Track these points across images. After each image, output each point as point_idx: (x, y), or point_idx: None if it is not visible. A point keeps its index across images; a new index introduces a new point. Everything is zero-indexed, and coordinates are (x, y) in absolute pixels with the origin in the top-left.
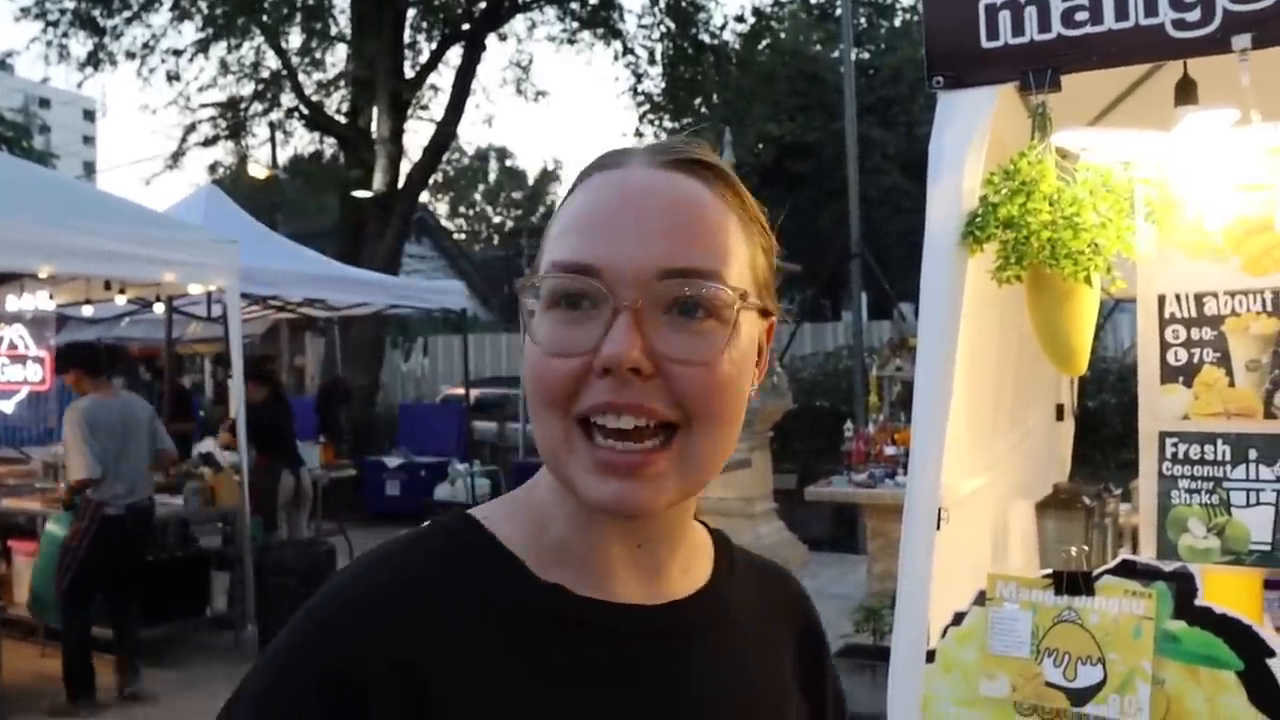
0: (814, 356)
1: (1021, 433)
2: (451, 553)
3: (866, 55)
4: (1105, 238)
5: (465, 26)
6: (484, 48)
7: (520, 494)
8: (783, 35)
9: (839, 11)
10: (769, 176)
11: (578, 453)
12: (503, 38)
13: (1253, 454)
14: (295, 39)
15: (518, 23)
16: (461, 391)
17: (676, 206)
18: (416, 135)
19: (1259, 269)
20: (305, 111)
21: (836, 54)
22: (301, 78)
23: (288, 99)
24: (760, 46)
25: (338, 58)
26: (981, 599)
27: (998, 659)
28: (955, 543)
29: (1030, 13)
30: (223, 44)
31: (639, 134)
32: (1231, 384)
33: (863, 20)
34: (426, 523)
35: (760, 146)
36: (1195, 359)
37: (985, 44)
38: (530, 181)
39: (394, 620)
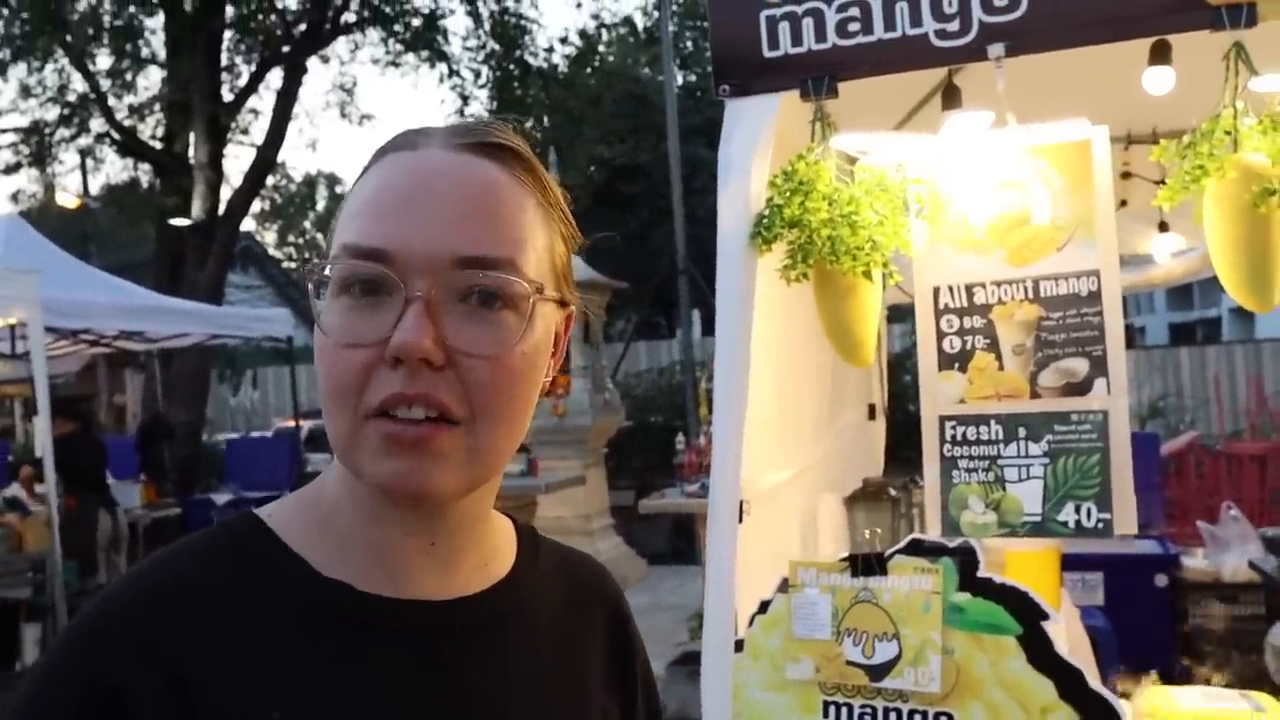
0: (648, 373)
1: (835, 431)
2: (228, 553)
3: (694, 77)
4: (882, 235)
5: (285, 49)
6: (305, 70)
7: (307, 491)
8: (610, 58)
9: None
10: (601, 198)
11: (365, 434)
12: (325, 60)
13: (1022, 432)
14: (104, 61)
15: (340, 45)
16: (292, 423)
17: (472, 191)
18: (237, 160)
19: (1020, 260)
20: (117, 137)
21: (663, 76)
22: (112, 101)
23: (97, 124)
24: (588, 69)
25: (151, 81)
26: (785, 586)
27: (801, 642)
28: (763, 536)
29: (808, 24)
30: (23, 65)
31: None
32: (1001, 368)
33: (689, 44)
34: (219, 521)
35: (592, 169)
36: (968, 346)
37: (767, 53)
38: None
39: (162, 626)
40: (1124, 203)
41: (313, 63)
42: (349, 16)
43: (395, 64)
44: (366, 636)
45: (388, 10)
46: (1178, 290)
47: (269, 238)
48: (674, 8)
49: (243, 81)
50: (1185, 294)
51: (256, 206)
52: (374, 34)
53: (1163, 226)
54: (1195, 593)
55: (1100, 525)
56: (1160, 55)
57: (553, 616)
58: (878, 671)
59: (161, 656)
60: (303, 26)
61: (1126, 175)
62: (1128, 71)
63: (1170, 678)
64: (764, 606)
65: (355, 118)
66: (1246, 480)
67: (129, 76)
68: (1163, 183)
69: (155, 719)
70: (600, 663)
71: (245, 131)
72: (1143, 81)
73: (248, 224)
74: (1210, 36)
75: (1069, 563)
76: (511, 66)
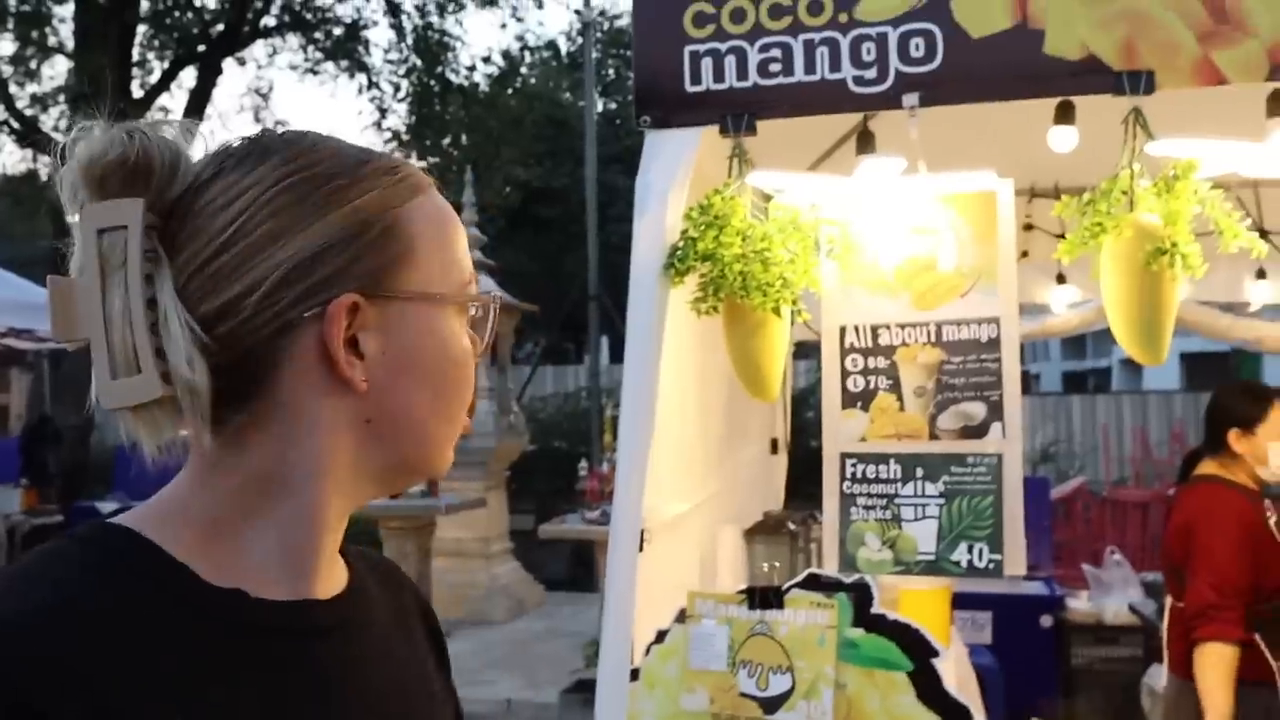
0: (554, 397)
1: (736, 463)
2: (111, 566)
3: (614, 105)
4: (793, 272)
5: (200, 48)
6: (221, 71)
7: (172, 504)
8: (532, 81)
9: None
10: (516, 220)
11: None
12: (241, 63)
13: (919, 472)
14: (7, 46)
15: (258, 48)
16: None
17: None
18: None
19: (925, 304)
20: (16, 126)
21: (584, 102)
22: (13, 89)
23: None
24: (509, 90)
25: (56, 71)
26: (682, 616)
27: (697, 673)
28: (662, 565)
29: (730, 61)
30: None
31: None
32: (902, 408)
33: (611, 71)
34: (73, 535)
35: (508, 190)
36: (871, 385)
37: (689, 88)
38: None
39: (71, 646)
40: (1025, 253)
41: (228, 64)
42: (269, 20)
43: (314, 71)
44: (269, 642)
45: (309, 17)
46: (1072, 340)
47: None
48: (598, 35)
49: (154, 78)
50: (1079, 344)
51: None
52: (294, 40)
53: (1060, 279)
54: (1078, 634)
55: (991, 565)
56: (1065, 115)
57: (387, 604)
58: (771, 704)
59: (78, 678)
60: (220, 27)
61: (1029, 227)
62: (1034, 128)
63: (1052, 718)
64: (661, 636)
65: (270, 123)
66: (1130, 526)
67: (33, 64)
68: (1063, 236)
69: None
70: (425, 642)
71: None
72: (1048, 139)
73: None
74: (1112, 100)
75: (959, 601)
76: (432, 82)
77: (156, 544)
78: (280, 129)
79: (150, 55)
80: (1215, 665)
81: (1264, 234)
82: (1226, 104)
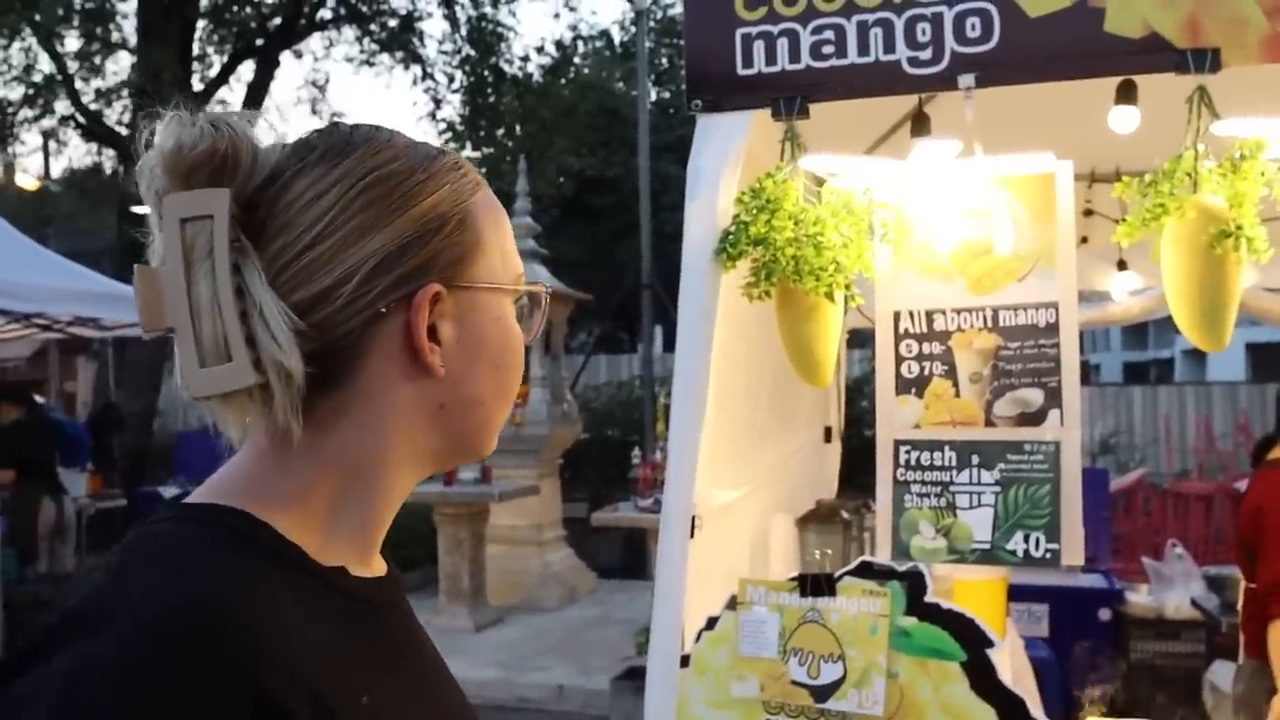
0: (607, 386)
1: (788, 451)
2: (247, 550)
3: (667, 94)
4: (846, 257)
5: (259, 42)
6: (278, 64)
7: (251, 486)
8: (585, 70)
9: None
10: (569, 209)
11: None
12: (298, 55)
13: (975, 459)
14: (73, 43)
15: (314, 41)
16: None
17: None
18: None
19: (981, 289)
20: (82, 120)
21: (637, 91)
22: (79, 84)
23: (62, 106)
24: (562, 80)
25: (120, 66)
26: (733, 603)
27: (747, 660)
28: (712, 552)
29: (782, 44)
30: None
31: None
32: (957, 395)
33: (664, 60)
34: (177, 519)
35: (561, 180)
36: (926, 372)
37: (741, 71)
38: None
39: (280, 637)
40: (1085, 239)
41: (285, 57)
42: (325, 13)
43: (369, 63)
44: (372, 612)
45: (364, 9)
46: (1133, 330)
47: None
48: (651, 24)
49: (214, 72)
50: (1140, 334)
51: None
52: (349, 32)
53: (1121, 265)
54: (1138, 628)
55: (1048, 555)
56: (1126, 95)
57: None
58: (822, 692)
59: (289, 664)
60: (277, 20)
61: (1088, 213)
62: (1094, 110)
63: (1113, 711)
64: (711, 623)
65: (326, 115)
66: (1192, 519)
67: (98, 60)
68: (1124, 220)
69: None
70: None
71: None
72: (1109, 120)
73: None
74: (1175, 79)
75: (1015, 593)
76: (486, 73)
77: (272, 526)
78: (349, 124)
79: (210, 49)
80: None
81: None
82: None
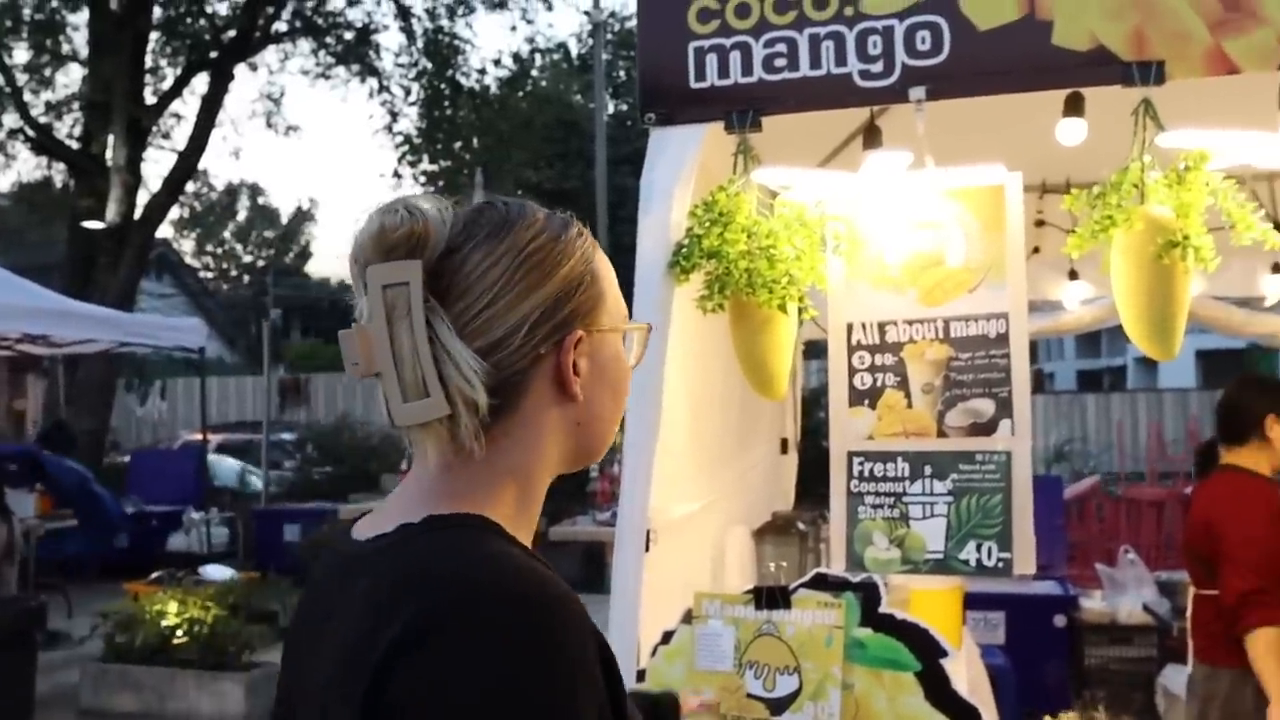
0: None
1: (746, 463)
2: (508, 540)
3: (625, 107)
4: (799, 269)
5: (213, 54)
6: (232, 77)
7: (449, 494)
8: (543, 83)
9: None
10: None
11: None
12: (253, 68)
13: (927, 470)
14: (21, 55)
15: (269, 54)
16: (200, 437)
17: None
18: (157, 165)
19: (932, 300)
20: (31, 134)
21: (594, 104)
22: (28, 97)
23: (11, 119)
24: (520, 93)
25: (70, 79)
26: (689, 617)
27: (703, 674)
28: (670, 565)
29: (735, 57)
30: None
31: (397, 175)
32: (910, 405)
33: (622, 73)
34: (464, 527)
35: (519, 192)
36: (879, 383)
37: (693, 84)
38: (284, 220)
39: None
40: (1036, 249)
41: (240, 70)
42: (280, 25)
43: (325, 76)
44: None
45: (320, 22)
46: (1086, 338)
47: (186, 246)
48: (608, 36)
49: (167, 85)
50: (1093, 342)
51: (175, 213)
52: (305, 45)
53: (1073, 274)
54: (1092, 634)
55: (1000, 564)
56: (1073, 107)
57: None
58: (778, 705)
59: (595, 628)
60: (232, 33)
61: (1040, 223)
62: (1045, 121)
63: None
64: (667, 637)
65: (281, 128)
66: (1145, 525)
67: (47, 72)
68: (1074, 231)
69: (615, 676)
70: None
71: (167, 136)
72: (1056, 132)
73: (164, 230)
74: (1122, 92)
75: (972, 601)
76: (443, 85)
77: (498, 524)
78: (503, 202)
79: (163, 62)
80: (1271, 648)
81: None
82: (1239, 94)
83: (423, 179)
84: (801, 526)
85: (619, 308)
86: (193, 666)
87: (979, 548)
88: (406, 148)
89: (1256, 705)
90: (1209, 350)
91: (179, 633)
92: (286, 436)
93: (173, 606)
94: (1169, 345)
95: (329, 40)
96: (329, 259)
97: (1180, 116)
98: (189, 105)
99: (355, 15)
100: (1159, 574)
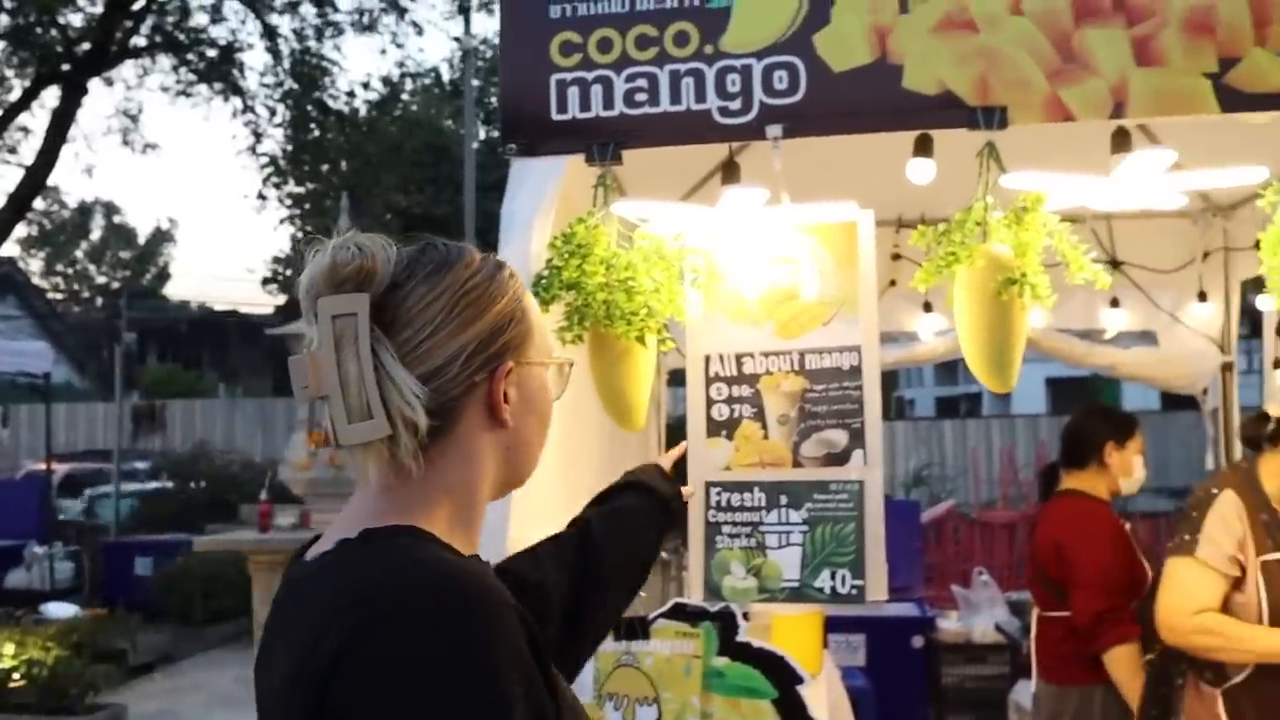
0: None
1: None
2: (440, 545)
3: (496, 133)
4: (658, 301)
5: (65, 67)
6: (86, 91)
7: (390, 509)
8: (414, 107)
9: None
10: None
11: None
12: (109, 83)
13: (783, 499)
14: None
15: (127, 68)
16: (44, 466)
17: None
18: (2, 180)
19: (788, 333)
20: None
21: (465, 130)
22: None
23: None
24: (389, 117)
25: None
26: None
27: None
28: None
29: (596, 90)
30: None
31: (262, 196)
32: (766, 436)
33: (493, 99)
34: (369, 539)
35: (388, 217)
36: (735, 414)
37: (555, 116)
38: (141, 240)
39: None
40: (893, 282)
41: (95, 84)
42: (139, 40)
43: (186, 94)
44: None
45: (181, 38)
46: (944, 366)
47: (34, 266)
48: (480, 62)
49: (14, 96)
50: (951, 370)
51: (21, 231)
52: (165, 61)
53: (928, 306)
54: (949, 653)
55: (854, 591)
56: (923, 148)
57: None
58: None
59: (521, 613)
60: (86, 45)
61: (897, 257)
62: (900, 160)
63: None
64: None
65: (139, 146)
66: (998, 547)
67: None
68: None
69: (542, 655)
70: None
71: (13, 150)
72: (907, 171)
73: (10, 249)
74: (970, 134)
75: (833, 624)
76: (310, 107)
77: (432, 533)
78: (443, 243)
79: (9, 72)
80: (1128, 663)
81: (1117, 265)
82: (1078, 139)
83: (289, 201)
84: (664, 555)
85: (545, 343)
86: (29, 711)
87: (833, 575)
88: (272, 169)
89: None
90: (1058, 378)
91: (15, 675)
92: (140, 465)
93: (9, 648)
94: (1006, 377)
95: (190, 57)
96: (189, 281)
97: (1024, 159)
98: (38, 119)
99: (219, 32)
100: (1010, 594)
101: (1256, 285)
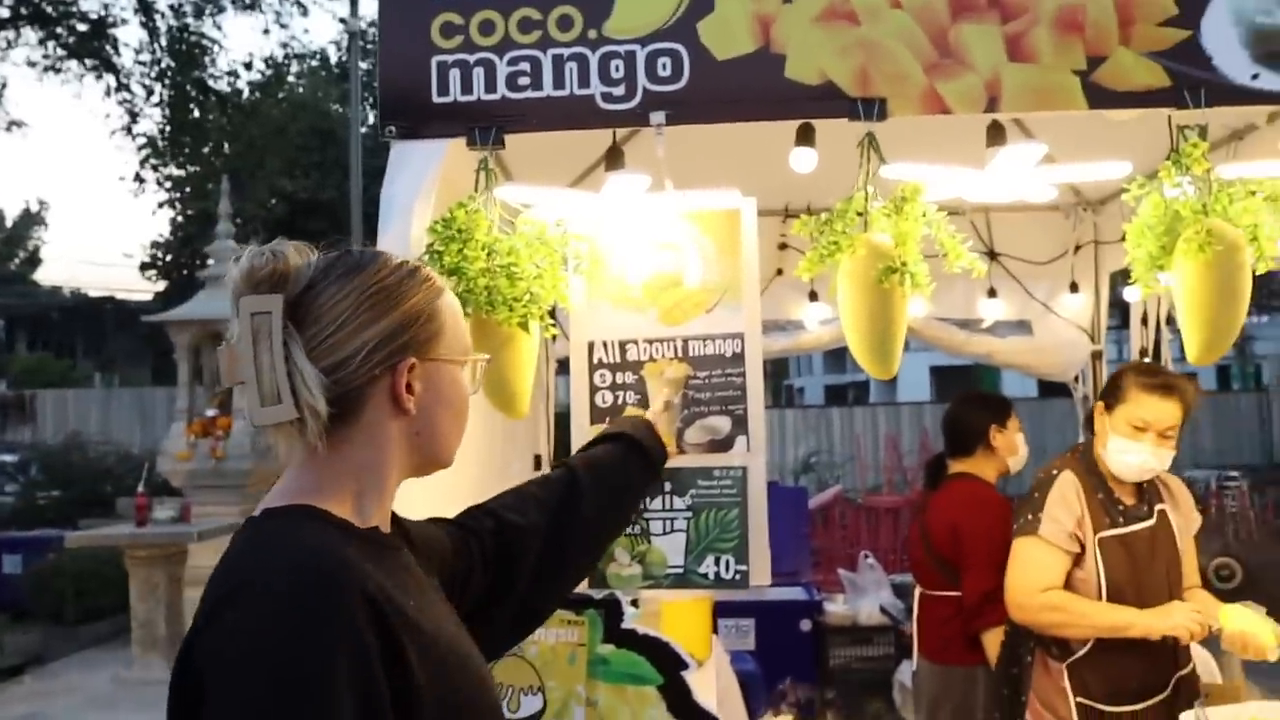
0: None
1: (497, 479)
2: (323, 526)
3: None
4: (541, 287)
5: None
6: None
7: (305, 488)
8: (300, 90)
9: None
10: (279, 232)
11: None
12: None
13: (668, 486)
14: None
15: None
16: None
17: None
18: None
19: (672, 319)
20: None
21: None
22: None
23: None
24: (274, 99)
25: None
26: None
27: None
28: None
29: (478, 73)
30: None
31: (139, 178)
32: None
33: None
34: (269, 516)
35: (273, 201)
36: (619, 400)
37: (436, 99)
38: (8, 222)
39: (357, 564)
40: (779, 271)
41: None
42: (2, 11)
43: (55, 69)
44: (393, 552)
45: (49, 10)
46: (833, 354)
47: None
48: (367, 45)
49: None
50: (839, 358)
51: None
52: (31, 34)
53: (813, 295)
54: (836, 635)
55: (738, 577)
56: (805, 137)
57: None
58: None
59: (371, 580)
60: None
61: (783, 246)
62: (785, 149)
63: (810, 716)
64: None
65: (3, 123)
66: (883, 531)
67: None
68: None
69: (394, 620)
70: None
71: None
72: (790, 160)
73: None
74: (851, 124)
75: (723, 609)
76: (189, 87)
77: (326, 510)
78: (359, 250)
79: None
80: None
81: (994, 256)
82: (958, 131)
83: (168, 184)
84: None
85: (459, 342)
86: None
87: (717, 561)
88: (149, 150)
89: (985, 703)
90: (941, 366)
91: None
92: (8, 458)
93: None
94: (888, 364)
95: (59, 31)
96: (62, 265)
97: (907, 151)
98: None
99: (90, 5)
100: (894, 576)
101: (1124, 277)
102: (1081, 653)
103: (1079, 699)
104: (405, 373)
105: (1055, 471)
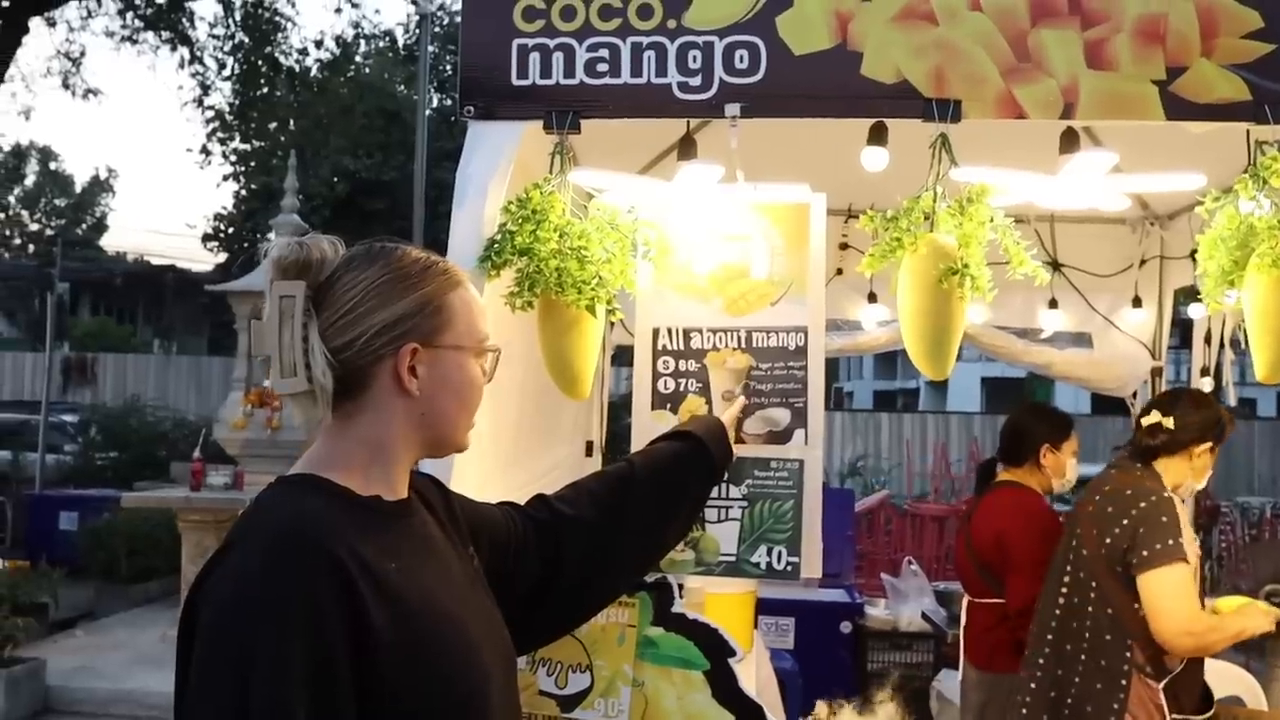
0: None
1: (548, 464)
2: (319, 493)
3: (449, 101)
4: (609, 272)
5: (5, 3)
6: (26, 30)
7: (318, 459)
8: (367, 70)
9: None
10: (342, 210)
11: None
12: (51, 23)
13: (724, 474)
14: None
15: (70, 9)
16: None
17: None
18: None
19: (736, 310)
20: None
21: (418, 95)
22: None
23: None
24: (341, 78)
25: None
26: None
27: None
28: None
29: (558, 57)
30: None
31: (205, 151)
32: (710, 411)
33: (448, 67)
34: (280, 483)
35: (336, 179)
36: (681, 388)
37: (515, 81)
38: (78, 188)
39: (334, 529)
40: (840, 271)
41: (36, 23)
42: None
43: (132, 40)
44: (396, 519)
45: None
46: (883, 360)
47: None
48: (436, 29)
49: None
50: (890, 364)
51: None
52: (111, 4)
53: (872, 297)
54: (875, 639)
55: (789, 568)
56: (878, 136)
57: (428, 504)
58: (569, 702)
59: (346, 544)
60: None
61: (844, 246)
62: (852, 148)
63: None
64: None
65: (80, 90)
66: (927, 538)
67: None
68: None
69: (365, 586)
70: (450, 525)
71: None
72: (861, 158)
73: None
74: (923, 125)
75: (764, 607)
76: (260, 62)
77: (329, 479)
78: (380, 243)
79: None
80: None
81: (1057, 266)
82: (1029, 137)
83: (233, 157)
84: None
85: (471, 332)
86: None
87: (769, 551)
88: (217, 124)
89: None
90: (993, 377)
91: None
92: (69, 418)
93: None
94: (942, 365)
95: (138, 2)
96: (127, 233)
97: (977, 154)
98: None
99: None
100: (938, 584)
101: (1188, 295)
102: (1178, 670)
103: (1174, 716)
104: (408, 356)
105: (1154, 497)
